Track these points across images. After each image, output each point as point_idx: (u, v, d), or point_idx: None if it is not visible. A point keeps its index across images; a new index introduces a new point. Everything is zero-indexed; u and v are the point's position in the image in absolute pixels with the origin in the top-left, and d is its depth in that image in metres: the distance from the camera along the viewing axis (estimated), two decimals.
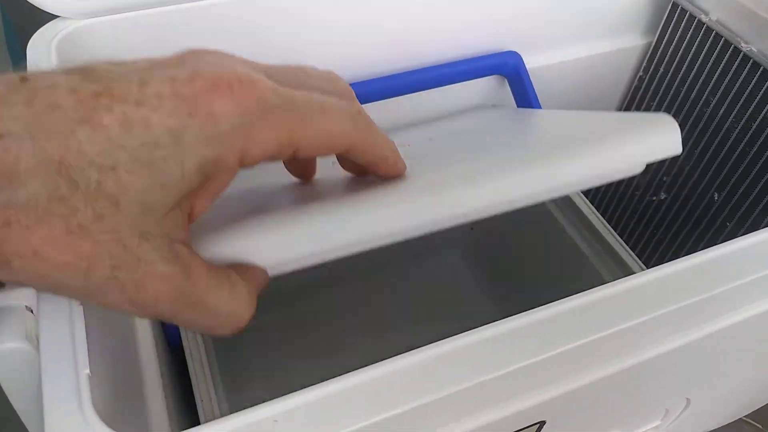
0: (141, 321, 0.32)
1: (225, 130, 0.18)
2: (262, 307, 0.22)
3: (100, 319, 0.24)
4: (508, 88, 0.50)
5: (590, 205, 0.43)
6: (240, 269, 0.21)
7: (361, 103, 0.45)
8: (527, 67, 0.50)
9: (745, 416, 0.54)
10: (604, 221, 0.41)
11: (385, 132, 0.24)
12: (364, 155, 0.23)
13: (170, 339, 0.38)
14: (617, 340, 0.23)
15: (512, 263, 0.53)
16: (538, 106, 0.47)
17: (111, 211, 0.17)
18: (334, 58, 0.44)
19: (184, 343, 0.36)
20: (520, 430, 0.25)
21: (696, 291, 0.24)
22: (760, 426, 0.55)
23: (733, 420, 0.52)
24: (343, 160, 0.26)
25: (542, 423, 0.26)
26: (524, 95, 0.48)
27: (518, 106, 0.49)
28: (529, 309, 0.23)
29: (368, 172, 0.25)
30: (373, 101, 0.45)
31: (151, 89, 0.18)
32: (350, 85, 0.44)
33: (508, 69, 0.48)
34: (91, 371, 0.20)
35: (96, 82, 0.18)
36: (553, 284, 0.43)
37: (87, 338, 0.21)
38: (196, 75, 0.18)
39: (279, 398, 0.20)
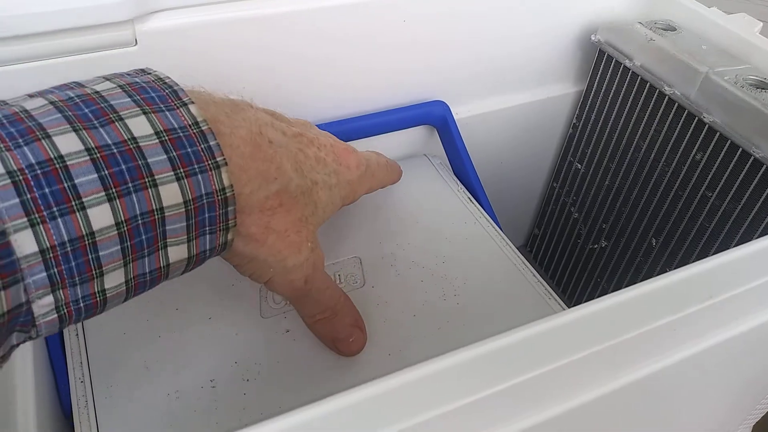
0: (24, 390, 0.29)
1: (353, 178, 0.31)
2: None
3: None
4: (438, 138, 0.49)
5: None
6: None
7: None
8: (462, 116, 0.50)
9: None
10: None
11: None
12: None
13: (65, 406, 0.34)
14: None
15: None
16: (467, 156, 0.46)
17: (314, 212, 0.27)
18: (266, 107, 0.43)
19: (74, 413, 0.32)
20: None
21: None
22: None
23: None
24: None
25: None
26: (452, 145, 0.47)
27: (448, 156, 0.48)
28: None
29: None
30: None
31: (320, 142, 0.29)
32: None
33: (436, 118, 0.47)
34: None
35: (290, 125, 0.28)
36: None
37: None
38: (337, 142, 0.31)
39: None
